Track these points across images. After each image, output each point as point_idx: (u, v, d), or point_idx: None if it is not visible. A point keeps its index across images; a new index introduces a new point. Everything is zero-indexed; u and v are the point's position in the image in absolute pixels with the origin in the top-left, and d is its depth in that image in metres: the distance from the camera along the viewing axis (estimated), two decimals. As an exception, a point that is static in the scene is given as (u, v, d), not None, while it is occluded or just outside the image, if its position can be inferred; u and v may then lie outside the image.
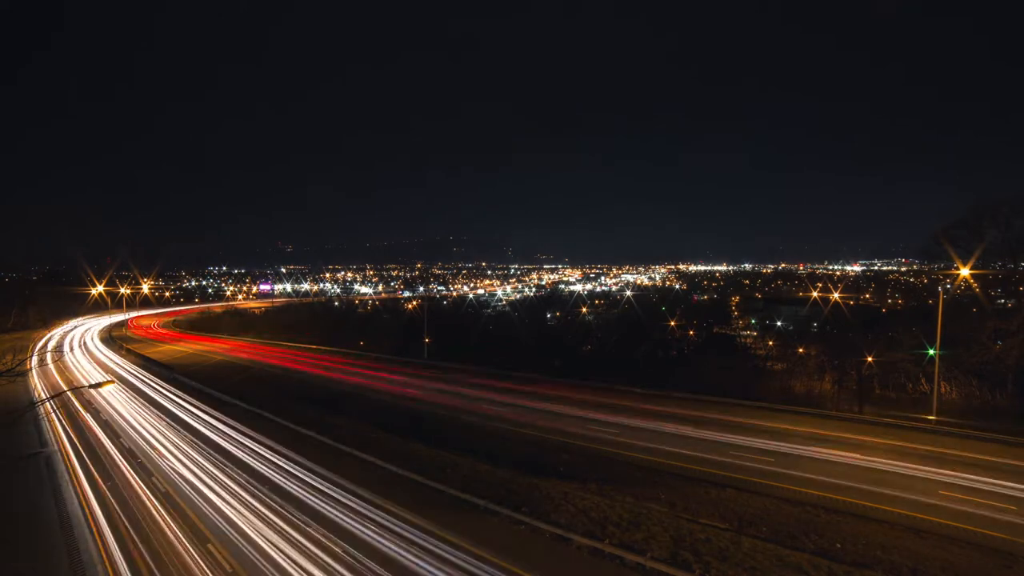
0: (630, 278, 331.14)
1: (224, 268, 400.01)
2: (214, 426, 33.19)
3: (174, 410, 37.55)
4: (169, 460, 27.10)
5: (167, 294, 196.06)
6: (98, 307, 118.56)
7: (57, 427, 33.71)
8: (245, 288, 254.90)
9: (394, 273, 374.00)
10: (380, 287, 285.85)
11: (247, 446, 29.00)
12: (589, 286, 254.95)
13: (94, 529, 19.81)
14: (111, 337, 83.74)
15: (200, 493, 22.73)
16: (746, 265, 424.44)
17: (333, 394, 43.36)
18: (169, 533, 19.29)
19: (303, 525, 19.35)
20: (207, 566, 16.96)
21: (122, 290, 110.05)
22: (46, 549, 18.72)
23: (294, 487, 23.08)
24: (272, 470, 25.22)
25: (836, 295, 68.30)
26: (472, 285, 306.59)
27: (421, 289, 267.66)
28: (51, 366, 56.85)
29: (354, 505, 21.09)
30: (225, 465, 26.02)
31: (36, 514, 21.47)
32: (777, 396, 38.45)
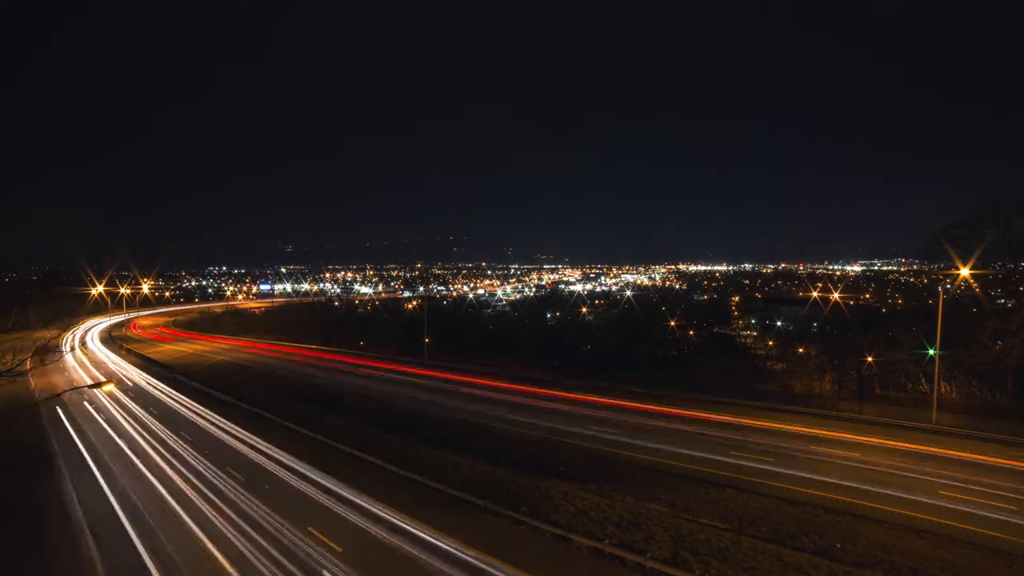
0: (630, 278, 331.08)
1: (224, 268, 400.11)
2: (214, 426, 33.20)
3: (174, 410, 37.55)
4: (169, 461, 27.10)
5: (167, 294, 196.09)
6: (98, 307, 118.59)
7: (57, 427, 33.71)
8: (245, 288, 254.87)
9: (394, 273, 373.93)
10: (380, 287, 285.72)
11: (247, 444, 29.02)
12: (589, 286, 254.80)
13: (94, 529, 19.82)
14: (111, 337, 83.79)
15: (200, 494, 22.73)
16: (746, 265, 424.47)
17: (333, 394, 43.38)
18: (170, 533, 19.30)
19: (307, 526, 19.37)
20: (210, 565, 16.97)
21: (122, 290, 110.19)
22: (46, 548, 18.73)
23: (293, 489, 23.09)
24: (271, 470, 25.23)
25: (836, 295, 68.22)
26: (472, 285, 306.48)
27: (421, 289, 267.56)
28: (51, 366, 56.84)
29: (355, 504, 21.13)
30: (224, 465, 26.03)
31: (36, 513, 21.48)
32: (777, 396, 38.46)
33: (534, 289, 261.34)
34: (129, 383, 47.75)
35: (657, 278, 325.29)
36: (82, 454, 28.48)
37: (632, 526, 18.51)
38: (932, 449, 27.09)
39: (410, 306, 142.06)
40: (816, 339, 53.65)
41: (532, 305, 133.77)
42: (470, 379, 47.53)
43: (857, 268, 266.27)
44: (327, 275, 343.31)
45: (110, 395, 42.26)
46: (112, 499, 22.50)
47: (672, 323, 75.43)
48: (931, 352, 35.94)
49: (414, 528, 18.97)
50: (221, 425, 33.35)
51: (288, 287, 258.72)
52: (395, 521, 19.59)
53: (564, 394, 40.67)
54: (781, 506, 21.00)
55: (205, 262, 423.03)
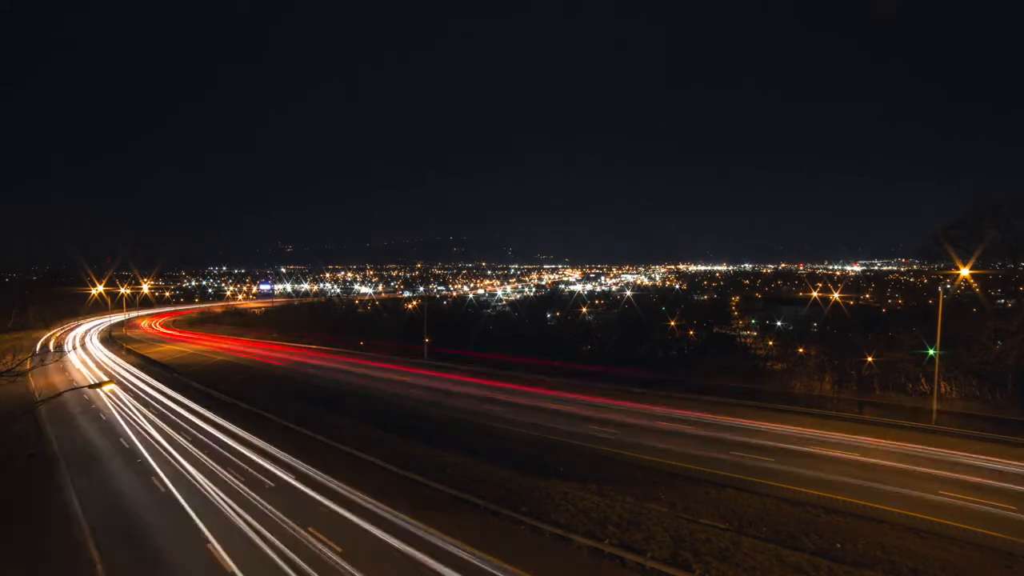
0: (630, 278, 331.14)
1: (224, 268, 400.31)
2: (213, 426, 33.20)
3: (174, 410, 37.55)
4: (169, 461, 27.10)
5: (167, 294, 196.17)
6: (98, 307, 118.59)
7: (57, 427, 33.72)
8: (245, 288, 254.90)
9: (394, 273, 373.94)
10: (380, 287, 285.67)
11: (247, 444, 29.02)
12: (589, 286, 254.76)
13: (94, 528, 19.82)
14: (111, 337, 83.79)
15: (200, 494, 22.73)
16: (746, 265, 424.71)
17: (333, 394, 43.38)
18: (170, 534, 19.30)
19: (307, 526, 19.37)
20: (210, 566, 16.97)
21: (122, 290, 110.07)
22: (46, 549, 18.73)
23: (294, 489, 23.09)
24: (272, 470, 25.23)
25: (836, 295, 68.25)
26: (472, 285, 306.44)
27: (421, 289, 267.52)
28: (51, 366, 56.86)
29: (356, 504, 21.13)
30: (225, 464, 26.03)
31: (36, 513, 21.49)
32: (777, 396, 38.41)
33: (534, 289, 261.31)
34: (129, 383, 47.75)
35: (657, 278, 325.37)
36: (82, 454, 28.49)
37: (632, 526, 18.50)
38: (932, 449, 27.08)
39: (410, 306, 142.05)
40: (816, 339, 53.64)
41: (532, 305, 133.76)
42: (470, 379, 47.53)
43: (857, 268, 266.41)
44: (327, 275, 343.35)
45: (110, 395, 42.28)
46: (112, 499, 22.50)
47: (672, 323, 75.47)
48: (931, 352, 35.93)
49: (414, 528, 18.98)
50: (221, 425, 33.35)
51: (288, 287, 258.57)
52: (395, 521, 19.60)
53: (564, 394, 40.66)
54: (781, 506, 20.99)
55: (205, 262, 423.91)
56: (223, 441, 30.16)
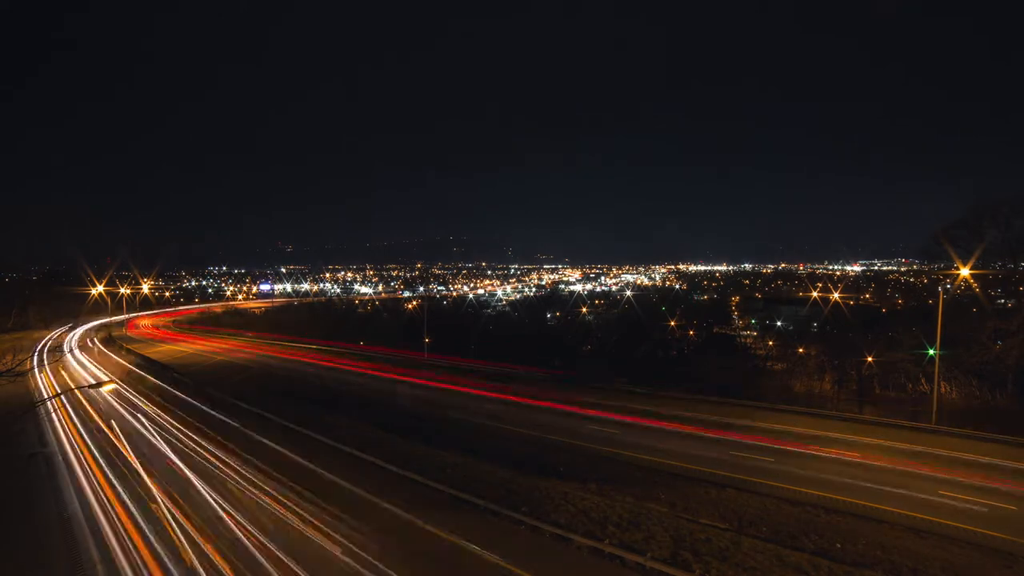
0: (630, 278, 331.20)
1: (224, 268, 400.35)
2: (214, 426, 33.18)
3: (174, 411, 37.53)
4: (169, 461, 27.09)
5: (167, 294, 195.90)
6: (98, 307, 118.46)
7: (57, 427, 33.70)
8: (245, 288, 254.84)
9: (394, 273, 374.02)
10: (380, 287, 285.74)
11: (247, 443, 29.01)
12: (589, 286, 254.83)
13: (94, 529, 19.82)
14: (111, 337, 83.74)
15: (200, 493, 22.73)
16: (746, 265, 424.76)
17: (333, 394, 43.38)
18: (170, 533, 19.29)
19: (310, 524, 19.37)
20: (210, 560, 16.97)
21: (122, 290, 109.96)
22: (46, 549, 18.72)
23: (290, 490, 23.09)
24: (269, 469, 25.22)
25: (836, 295, 68.26)
26: (472, 285, 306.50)
27: (421, 289, 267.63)
28: (51, 366, 56.86)
29: (356, 503, 21.13)
30: (224, 465, 26.03)
31: (36, 514, 21.48)
32: (777, 396, 38.47)
33: (534, 289, 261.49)
34: (129, 383, 47.72)
35: (657, 278, 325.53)
36: (82, 454, 28.48)
37: (632, 526, 18.50)
38: (932, 449, 27.09)
39: (410, 306, 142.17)
40: (816, 339, 53.76)
41: (532, 305, 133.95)
42: (470, 379, 47.53)
43: (857, 268, 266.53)
44: (327, 275, 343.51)
45: (110, 395, 42.27)
46: (112, 499, 22.49)
47: (672, 323, 75.56)
48: (931, 352, 35.96)
49: (415, 527, 18.96)
50: (220, 424, 33.32)
51: (288, 287, 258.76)
52: (395, 521, 19.59)
53: (564, 394, 40.65)
54: (781, 506, 21.00)
55: (205, 262, 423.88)
56: (220, 436, 30.12)
